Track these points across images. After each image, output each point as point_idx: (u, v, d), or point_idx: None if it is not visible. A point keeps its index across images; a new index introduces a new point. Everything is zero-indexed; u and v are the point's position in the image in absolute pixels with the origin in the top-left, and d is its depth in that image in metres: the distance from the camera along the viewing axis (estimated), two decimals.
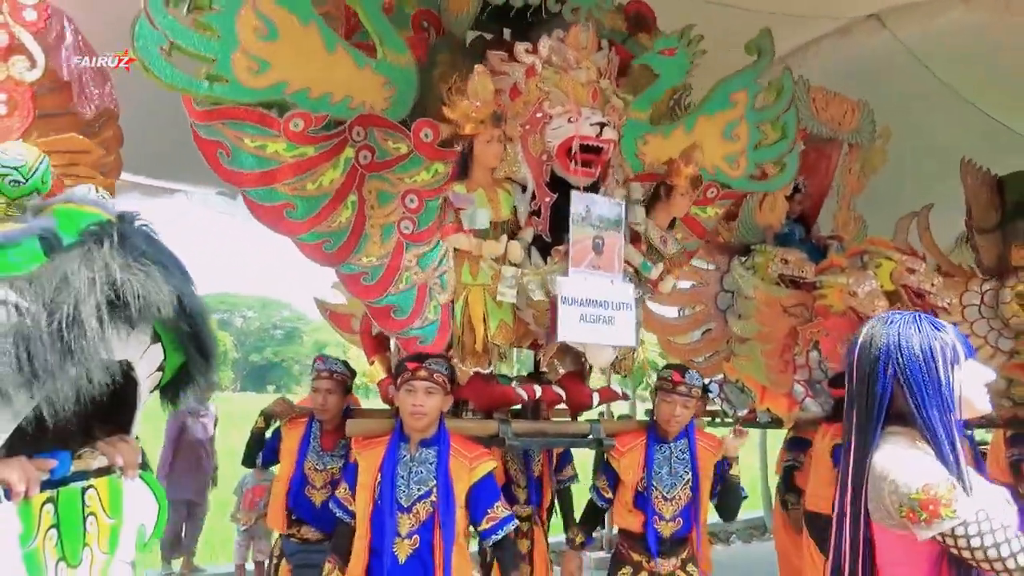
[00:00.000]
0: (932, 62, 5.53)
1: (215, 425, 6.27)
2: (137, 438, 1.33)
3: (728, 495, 3.28)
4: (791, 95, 3.63)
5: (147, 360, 1.23)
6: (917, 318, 1.70)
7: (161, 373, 1.27)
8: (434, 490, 2.65)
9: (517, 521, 2.84)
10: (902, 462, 1.58)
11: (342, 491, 2.82)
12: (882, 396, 1.65)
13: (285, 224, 2.61)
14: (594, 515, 3.45)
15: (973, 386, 1.66)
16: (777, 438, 6.45)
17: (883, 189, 4.95)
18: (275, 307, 64.84)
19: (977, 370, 1.68)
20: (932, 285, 4.09)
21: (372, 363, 3.50)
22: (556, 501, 3.92)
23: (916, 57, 5.42)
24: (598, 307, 2.89)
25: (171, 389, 1.33)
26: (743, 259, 4.29)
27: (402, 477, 2.68)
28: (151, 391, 1.29)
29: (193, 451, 5.99)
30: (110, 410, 1.27)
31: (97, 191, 2.48)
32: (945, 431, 1.59)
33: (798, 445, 4.44)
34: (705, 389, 4.43)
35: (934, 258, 5.25)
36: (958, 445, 1.60)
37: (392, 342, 3.33)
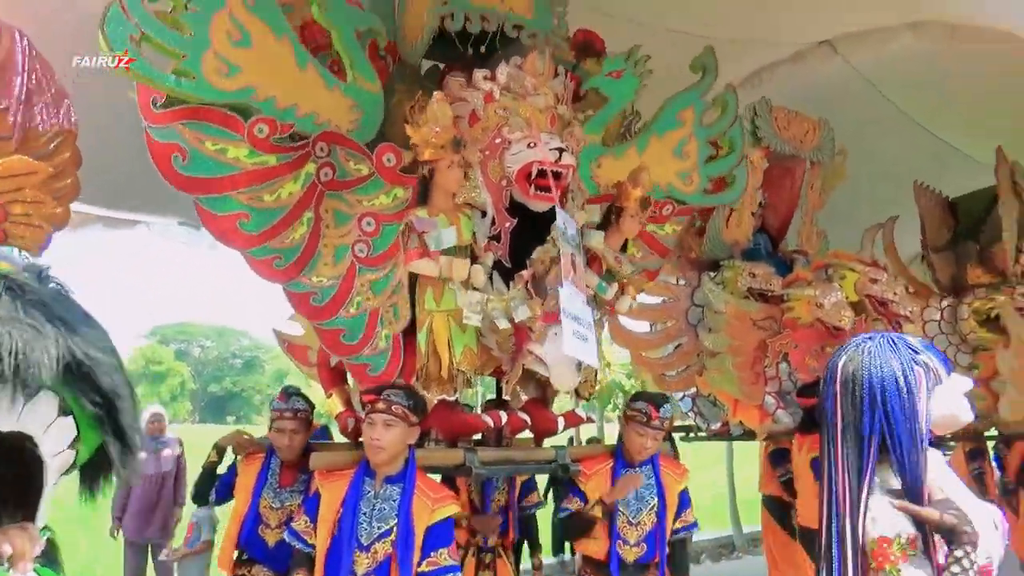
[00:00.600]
0: (884, 87, 5.71)
1: (181, 456, 6.01)
2: (46, 527, 1.14)
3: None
4: (735, 111, 3.72)
5: (53, 435, 1.05)
6: (893, 344, 1.73)
7: (75, 452, 1.09)
8: (394, 529, 2.57)
9: (459, 573, 2.72)
10: (881, 504, 1.66)
11: (301, 524, 2.69)
12: (870, 435, 1.70)
13: (237, 236, 2.53)
14: (577, 525, 3.26)
15: (954, 400, 1.71)
16: (745, 455, 6.54)
17: (841, 208, 5.08)
18: (234, 336, 63.70)
19: (956, 383, 1.73)
20: (895, 294, 4.20)
21: (330, 395, 3.41)
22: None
23: (868, 82, 5.60)
24: (581, 324, 2.87)
25: (90, 471, 1.13)
26: (712, 274, 4.36)
27: (364, 513, 2.59)
28: (64, 472, 1.10)
29: (152, 487, 5.69)
30: (16, 493, 1.07)
31: (20, 253, 2.35)
32: (918, 459, 1.65)
33: (784, 457, 4.50)
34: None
35: (896, 270, 5.42)
36: (923, 474, 1.65)
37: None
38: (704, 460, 6.59)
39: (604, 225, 3.29)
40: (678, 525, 3.28)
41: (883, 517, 1.63)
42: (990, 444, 5.88)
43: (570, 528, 3.31)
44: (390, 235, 2.79)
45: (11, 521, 1.06)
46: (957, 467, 6.09)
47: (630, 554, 3.15)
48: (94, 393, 1.05)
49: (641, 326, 4.46)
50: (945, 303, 5.45)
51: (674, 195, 3.56)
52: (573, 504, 3.24)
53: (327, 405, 3.45)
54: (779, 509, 4.55)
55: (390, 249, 2.79)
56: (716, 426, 4.68)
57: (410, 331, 2.87)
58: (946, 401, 1.69)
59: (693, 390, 4.59)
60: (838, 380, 1.76)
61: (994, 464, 5.96)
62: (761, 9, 4.56)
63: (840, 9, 4.60)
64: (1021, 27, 3.99)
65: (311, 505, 2.71)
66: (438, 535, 2.64)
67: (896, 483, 1.67)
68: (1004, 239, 5.37)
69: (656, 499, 3.22)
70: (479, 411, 3.13)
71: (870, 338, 1.78)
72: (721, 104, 3.70)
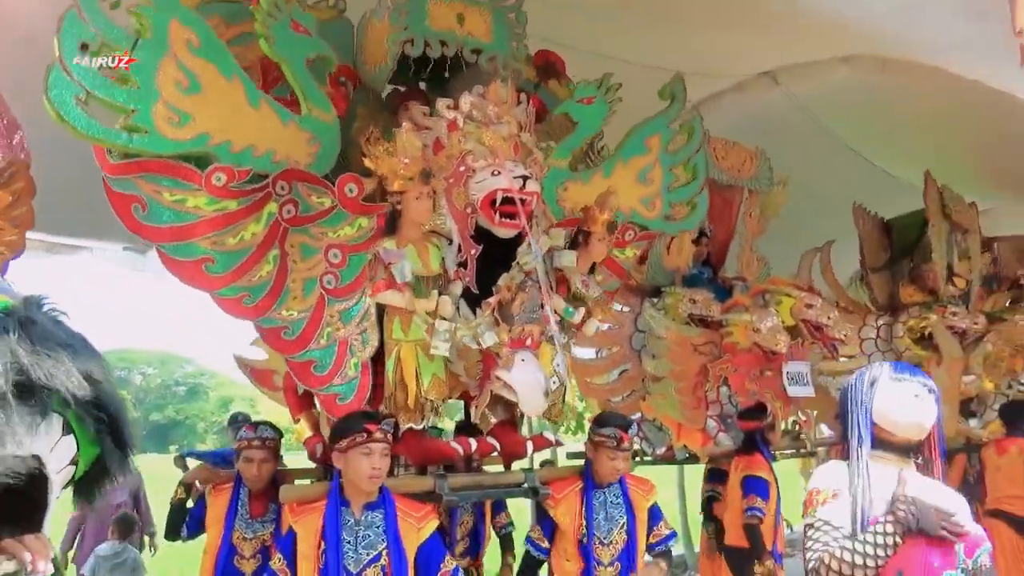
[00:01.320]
0: (822, 116, 5.95)
1: (140, 484, 5.86)
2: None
3: None
4: (700, 138, 3.81)
5: (57, 454, 1.13)
6: (889, 364, 2.15)
7: (74, 467, 1.17)
8: (384, 553, 2.57)
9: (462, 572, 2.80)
10: (824, 468, 2.13)
11: (277, 562, 2.66)
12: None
13: (203, 279, 2.52)
14: (531, 568, 3.36)
15: (896, 401, 2.09)
16: (695, 476, 6.60)
17: (782, 232, 5.23)
18: (177, 362, 61.89)
19: (901, 386, 2.08)
20: (829, 318, 4.31)
21: (297, 421, 3.38)
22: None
23: (807, 111, 5.82)
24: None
25: (85, 484, 1.22)
26: (654, 300, 4.43)
27: (348, 543, 2.58)
28: (63, 487, 1.18)
29: (107, 516, 5.51)
30: (15, 512, 1.14)
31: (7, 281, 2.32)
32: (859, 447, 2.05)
33: (717, 476, 4.58)
34: None
35: (834, 292, 5.57)
36: (865, 461, 2.03)
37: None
38: (655, 482, 6.65)
39: (571, 249, 3.32)
40: (653, 540, 3.32)
41: (823, 475, 2.07)
42: None
43: (525, 567, 3.37)
44: (357, 264, 2.79)
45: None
46: None
47: (605, 574, 3.19)
48: (98, 411, 1.13)
49: (586, 352, 4.49)
50: (881, 321, 5.61)
51: (637, 220, 3.63)
52: (535, 533, 3.31)
53: (296, 431, 3.41)
54: (708, 527, 4.72)
55: (358, 278, 2.79)
56: (662, 450, 4.72)
57: (376, 360, 2.86)
58: (891, 402, 2.08)
59: (638, 415, 4.62)
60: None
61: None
62: (705, 41, 4.71)
63: (780, 42, 4.78)
64: (947, 62, 4.18)
65: (286, 543, 2.67)
66: (435, 548, 2.69)
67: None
68: (934, 259, 5.56)
69: (626, 517, 3.26)
70: (450, 435, 3.13)
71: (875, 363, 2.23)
72: (687, 130, 3.78)
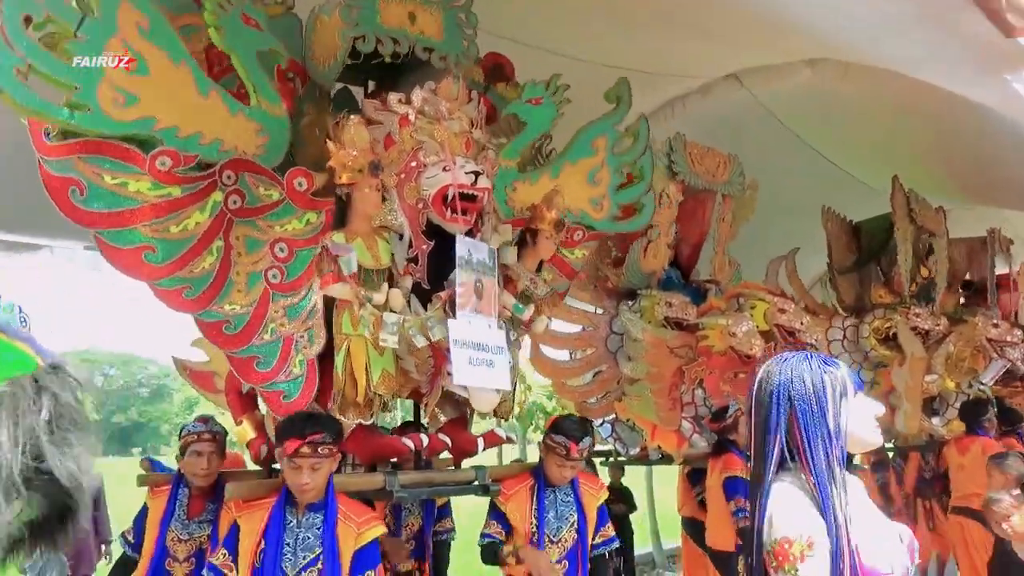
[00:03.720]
0: (787, 119, 6.02)
1: (101, 490, 5.67)
2: None
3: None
4: (646, 140, 3.84)
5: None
6: (809, 356, 1.81)
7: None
8: (321, 558, 2.54)
9: None
10: (781, 505, 1.69)
11: (220, 557, 2.61)
12: (776, 432, 1.74)
13: (142, 268, 2.45)
14: (491, 553, 3.32)
15: (863, 420, 1.76)
16: (663, 475, 6.67)
17: (751, 235, 5.28)
18: (140, 364, 60.68)
19: (866, 404, 1.78)
20: (802, 323, 4.40)
21: (240, 423, 3.31)
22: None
23: (772, 114, 5.89)
24: (481, 350, 2.89)
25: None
26: (630, 303, 4.46)
27: (288, 544, 2.55)
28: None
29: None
30: None
31: (20, 310, 2.23)
32: (827, 463, 1.68)
33: (701, 477, 4.61)
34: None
35: (800, 297, 5.66)
36: (840, 481, 1.68)
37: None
38: (625, 480, 6.72)
39: (519, 247, 3.34)
40: (598, 540, 3.34)
41: (785, 517, 1.67)
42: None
43: (486, 556, 3.35)
44: (304, 260, 2.74)
45: None
46: (863, 476, 6.41)
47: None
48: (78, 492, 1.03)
49: (561, 354, 4.52)
50: (848, 323, 5.70)
51: (585, 221, 3.64)
52: (492, 528, 3.29)
53: (238, 433, 3.34)
54: (695, 529, 4.68)
55: (304, 274, 2.74)
56: (635, 451, 4.76)
57: (325, 356, 2.82)
58: (857, 419, 1.75)
59: (613, 416, 4.66)
60: (754, 388, 1.84)
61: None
62: (670, 42, 4.74)
63: (744, 44, 4.82)
64: (906, 68, 4.27)
65: (230, 538, 2.63)
66: (365, 559, 2.64)
67: (808, 486, 1.70)
68: (899, 263, 5.68)
69: (576, 515, 3.28)
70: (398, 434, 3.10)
71: (787, 354, 1.88)
72: (633, 133, 3.81)
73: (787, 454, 1.74)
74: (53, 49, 2.21)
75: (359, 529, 2.64)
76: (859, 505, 1.73)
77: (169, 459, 4.28)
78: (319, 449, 2.54)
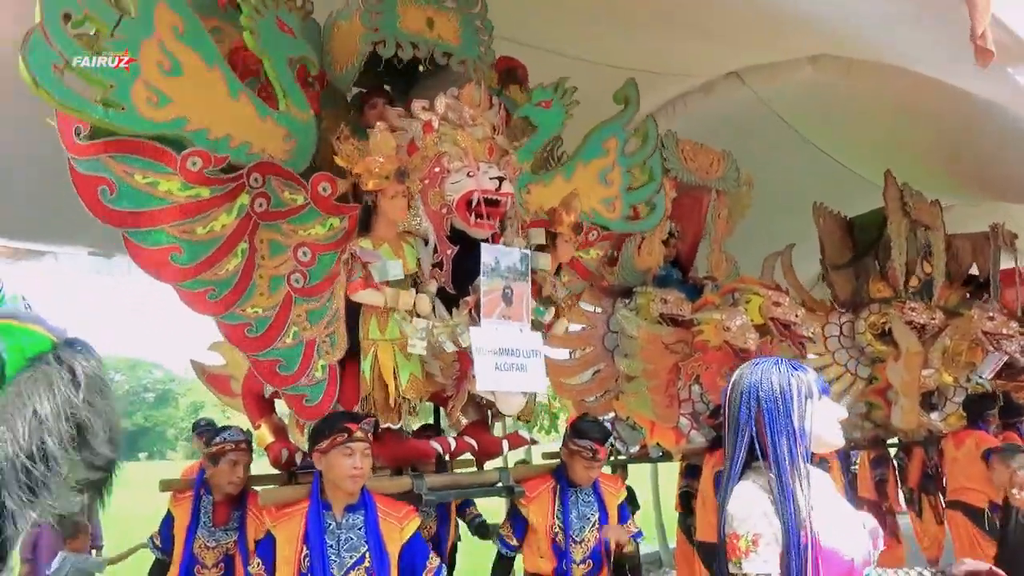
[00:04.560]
0: (789, 116, 6.05)
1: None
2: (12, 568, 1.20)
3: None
4: (655, 141, 3.89)
5: None
6: (779, 361, 1.87)
7: None
8: (367, 555, 2.55)
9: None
10: (739, 500, 1.78)
11: (255, 567, 2.61)
12: (743, 431, 1.81)
13: (168, 270, 2.46)
14: (503, 568, 3.40)
15: (826, 422, 1.83)
16: (669, 473, 6.69)
17: (749, 232, 5.30)
18: (146, 368, 60.80)
19: (830, 408, 1.85)
20: (796, 317, 4.41)
21: (258, 427, 3.33)
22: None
23: (774, 112, 5.93)
24: (510, 355, 2.91)
25: None
26: (626, 301, 4.48)
27: (331, 547, 2.55)
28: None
29: (60, 525, 5.28)
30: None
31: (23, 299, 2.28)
32: (791, 461, 1.75)
33: (693, 472, 4.64)
34: None
35: (796, 293, 5.67)
36: (803, 474, 1.74)
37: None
38: (629, 478, 6.74)
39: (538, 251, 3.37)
40: None
41: (739, 514, 1.75)
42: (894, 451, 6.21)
43: (498, 570, 3.41)
44: (327, 265, 2.78)
45: None
46: (863, 471, 6.43)
47: (577, 571, 3.24)
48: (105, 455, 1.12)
49: (560, 353, 4.54)
50: (844, 318, 5.70)
51: (598, 221, 3.68)
52: (506, 530, 3.35)
53: (257, 437, 3.37)
54: (685, 522, 4.77)
55: (327, 279, 2.77)
56: (635, 449, 4.80)
57: (346, 360, 2.85)
58: (821, 421, 1.82)
59: (612, 414, 4.69)
60: (727, 391, 1.90)
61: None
62: (671, 41, 4.77)
63: (745, 42, 4.85)
64: (908, 63, 4.28)
65: (265, 547, 2.63)
66: (418, 547, 2.69)
67: (771, 481, 1.76)
68: (893, 257, 5.68)
69: (598, 514, 3.33)
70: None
71: (760, 359, 1.94)
72: (642, 134, 3.85)
73: (758, 452, 1.82)
74: (90, 47, 2.24)
75: (401, 524, 2.66)
76: (823, 496, 1.79)
77: (176, 464, 4.30)
78: (369, 436, 2.60)
